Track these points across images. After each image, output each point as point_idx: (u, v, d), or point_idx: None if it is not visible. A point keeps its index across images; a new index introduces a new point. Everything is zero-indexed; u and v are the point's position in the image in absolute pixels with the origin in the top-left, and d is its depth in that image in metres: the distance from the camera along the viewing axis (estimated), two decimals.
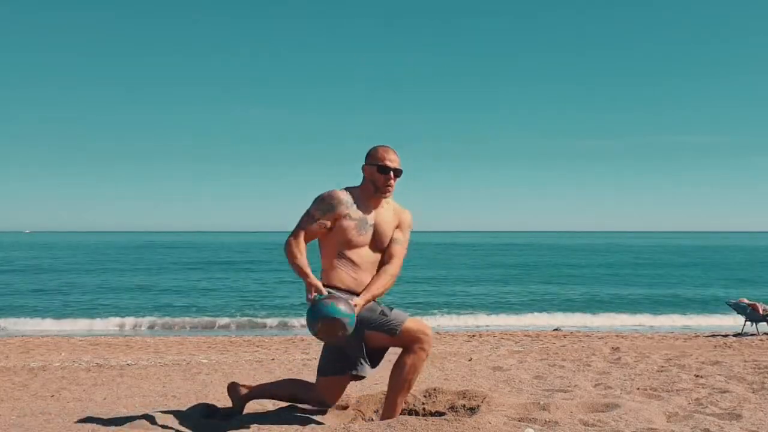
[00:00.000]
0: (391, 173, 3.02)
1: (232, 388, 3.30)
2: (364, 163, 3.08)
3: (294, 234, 3.00)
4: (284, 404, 3.35)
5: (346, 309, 2.70)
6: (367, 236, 3.00)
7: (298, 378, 3.41)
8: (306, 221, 2.98)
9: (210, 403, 3.61)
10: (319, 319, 2.68)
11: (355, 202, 2.99)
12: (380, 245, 3.04)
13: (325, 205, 2.96)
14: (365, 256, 3.01)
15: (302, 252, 2.96)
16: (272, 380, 3.44)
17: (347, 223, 2.95)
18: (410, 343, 2.87)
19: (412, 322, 2.90)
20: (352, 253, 2.98)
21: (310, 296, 2.81)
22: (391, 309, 2.92)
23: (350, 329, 2.72)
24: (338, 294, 2.85)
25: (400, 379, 2.90)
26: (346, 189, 3.03)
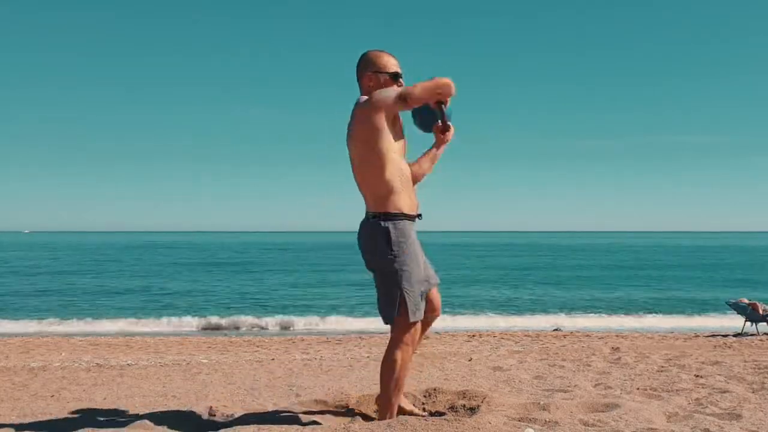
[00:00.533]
0: (401, 78, 2.80)
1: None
2: (365, 72, 2.80)
3: (401, 93, 2.66)
4: (284, 404, 3.36)
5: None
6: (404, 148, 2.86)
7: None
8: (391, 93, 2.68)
9: (210, 403, 3.61)
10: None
11: None
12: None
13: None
14: (409, 171, 2.84)
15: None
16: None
17: (394, 133, 2.74)
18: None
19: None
20: (404, 168, 2.77)
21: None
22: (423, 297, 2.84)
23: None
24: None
25: (392, 377, 2.79)
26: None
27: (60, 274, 28.02)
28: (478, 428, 2.67)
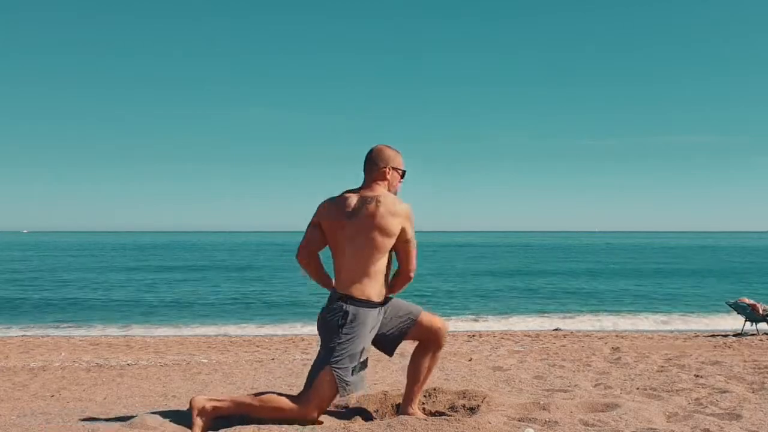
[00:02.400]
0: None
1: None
2: (387, 164, 3.02)
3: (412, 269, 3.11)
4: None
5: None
6: None
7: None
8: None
9: None
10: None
11: None
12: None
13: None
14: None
15: None
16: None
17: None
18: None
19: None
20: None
21: None
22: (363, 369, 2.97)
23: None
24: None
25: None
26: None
27: (58, 274, 28.01)
28: (478, 428, 2.67)
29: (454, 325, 13.33)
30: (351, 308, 2.85)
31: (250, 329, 12.99)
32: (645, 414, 3.05)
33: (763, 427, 2.92)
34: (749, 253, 51.08)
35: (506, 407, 3.13)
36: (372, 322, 2.92)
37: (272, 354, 7.58)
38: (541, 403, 3.22)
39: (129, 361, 6.82)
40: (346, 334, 2.84)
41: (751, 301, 9.87)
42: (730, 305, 10.27)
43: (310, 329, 12.80)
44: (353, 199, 2.93)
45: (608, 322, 13.94)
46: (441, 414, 3.17)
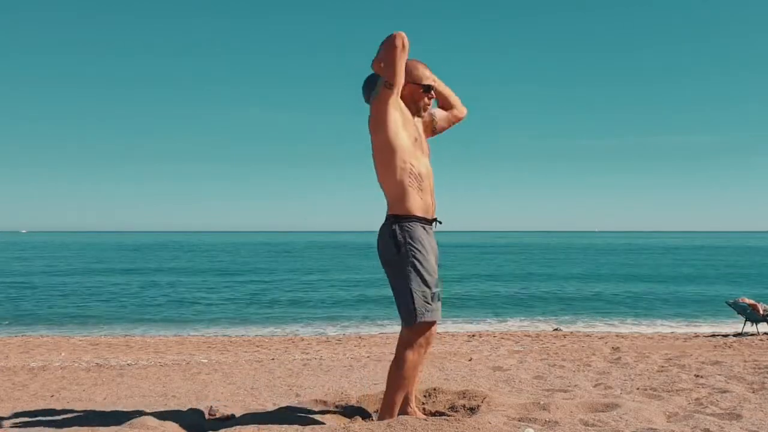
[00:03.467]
0: (433, 91, 2.88)
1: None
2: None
3: (386, 89, 2.70)
4: (284, 404, 3.35)
5: None
6: (426, 151, 2.88)
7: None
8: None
9: (210, 403, 3.61)
10: None
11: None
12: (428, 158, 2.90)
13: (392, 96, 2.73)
14: (426, 172, 2.82)
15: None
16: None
17: (415, 134, 2.81)
18: (420, 338, 2.75)
19: (436, 325, 2.80)
20: (419, 172, 2.77)
21: None
22: (440, 299, 2.80)
23: None
24: None
25: (398, 375, 2.78)
26: None
27: (58, 274, 28.02)
28: (478, 428, 2.67)
29: (455, 325, 13.34)
30: (396, 227, 2.72)
31: (250, 329, 12.99)
32: (645, 414, 3.05)
33: (763, 427, 2.92)
34: (749, 253, 51.08)
35: (506, 407, 3.13)
36: (428, 240, 2.78)
37: (272, 354, 7.59)
38: (541, 403, 3.21)
39: (129, 361, 6.82)
40: (405, 255, 2.70)
41: (752, 301, 9.88)
42: (730, 305, 10.27)
43: (311, 329, 12.80)
44: None
45: (608, 322, 13.94)
46: (441, 414, 3.17)
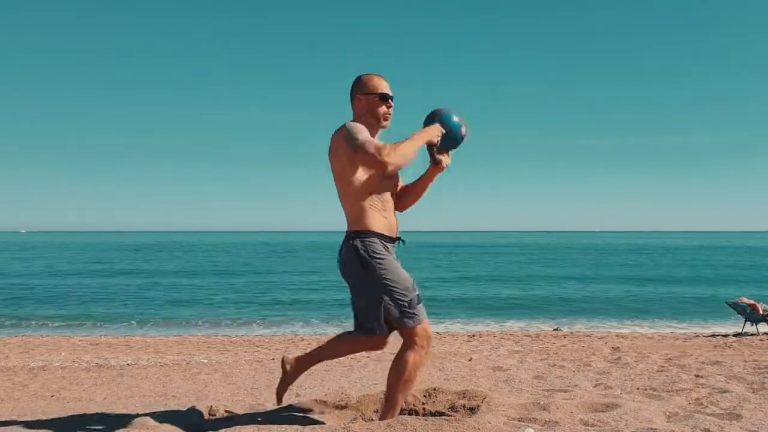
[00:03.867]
0: (390, 100, 2.87)
1: (287, 363, 3.13)
2: (356, 94, 2.86)
3: (374, 147, 2.65)
4: (284, 404, 3.35)
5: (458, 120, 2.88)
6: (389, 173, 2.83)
7: (341, 335, 3.12)
8: (368, 139, 2.69)
9: (210, 403, 3.61)
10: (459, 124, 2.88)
11: None
12: (396, 180, 2.94)
13: (363, 130, 2.73)
14: (388, 193, 2.87)
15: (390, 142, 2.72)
16: (277, 381, 3.35)
17: None
18: (414, 342, 2.76)
19: (427, 325, 2.80)
20: (383, 192, 2.82)
21: (437, 136, 2.82)
22: (420, 301, 2.80)
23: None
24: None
25: (400, 377, 2.78)
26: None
27: (57, 274, 28.01)
28: (478, 428, 2.67)
29: (455, 325, 13.35)
30: (357, 242, 2.74)
31: (250, 329, 13.00)
32: (645, 414, 3.05)
33: (763, 427, 2.92)
34: (749, 253, 51.07)
35: (506, 407, 3.13)
36: (393, 256, 2.81)
37: (272, 354, 7.58)
38: (541, 403, 3.21)
39: (129, 361, 6.82)
40: (370, 269, 2.72)
41: (751, 301, 9.88)
42: (730, 305, 10.27)
43: (310, 329, 12.80)
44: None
45: (608, 322, 13.95)
46: (441, 414, 3.17)
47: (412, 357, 2.76)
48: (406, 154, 2.68)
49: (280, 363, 3.25)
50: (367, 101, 2.85)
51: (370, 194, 2.78)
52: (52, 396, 4.42)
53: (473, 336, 10.04)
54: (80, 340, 9.95)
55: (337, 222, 2.96)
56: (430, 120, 2.91)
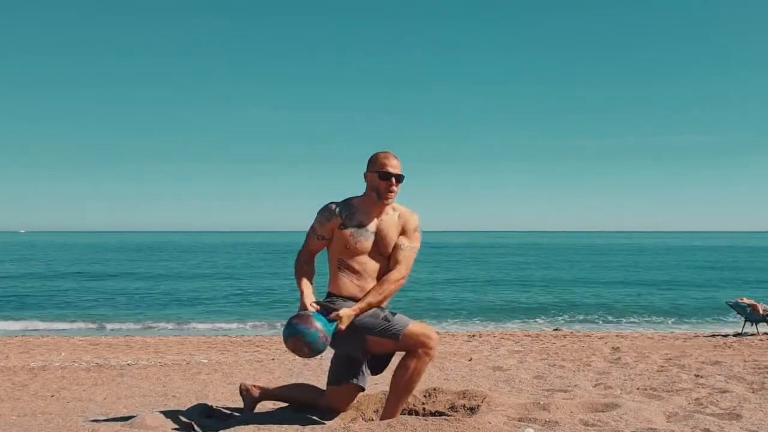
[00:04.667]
0: (393, 179, 3.00)
1: (245, 389, 3.37)
2: (366, 170, 3.07)
3: (300, 250, 3.13)
4: (284, 404, 3.35)
5: (310, 329, 2.77)
6: (368, 243, 3.00)
7: (308, 383, 3.50)
8: (309, 236, 3.10)
9: (210, 403, 3.61)
10: (288, 336, 2.82)
11: (354, 211, 3.01)
12: (384, 252, 3.04)
13: (321, 218, 3.05)
14: (367, 263, 3.02)
15: (302, 267, 3.09)
16: (277, 382, 3.42)
17: (343, 232, 3.00)
18: (414, 347, 2.87)
19: (416, 326, 2.90)
20: (353, 261, 3.02)
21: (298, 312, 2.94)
22: (395, 314, 2.93)
23: (315, 347, 2.78)
24: (309, 313, 2.87)
25: (402, 382, 2.91)
26: (348, 199, 3.07)
27: (57, 274, 28.01)
28: (478, 428, 2.67)
29: (455, 325, 13.35)
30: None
31: (250, 329, 12.99)
32: (645, 414, 3.05)
33: (763, 427, 2.92)
34: (749, 253, 51.07)
35: (506, 407, 3.13)
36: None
37: (272, 354, 7.58)
38: (541, 403, 3.22)
39: (129, 361, 6.82)
40: None
41: (751, 301, 9.87)
42: (730, 305, 10.27)
43: None
44: None
45: (608, 322, 13.95)
46: (441, 414, 3.17)
47: (413, 364, 2.89)
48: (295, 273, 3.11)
49: (249, 386, 3.41)
50: (371, 178, 3.04)
51: (341, 261, 3.03)
52: (53, 396, 4.42)
53: (473, 336, 10.04)
54: (80, 340, 9.94)
55: None
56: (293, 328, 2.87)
